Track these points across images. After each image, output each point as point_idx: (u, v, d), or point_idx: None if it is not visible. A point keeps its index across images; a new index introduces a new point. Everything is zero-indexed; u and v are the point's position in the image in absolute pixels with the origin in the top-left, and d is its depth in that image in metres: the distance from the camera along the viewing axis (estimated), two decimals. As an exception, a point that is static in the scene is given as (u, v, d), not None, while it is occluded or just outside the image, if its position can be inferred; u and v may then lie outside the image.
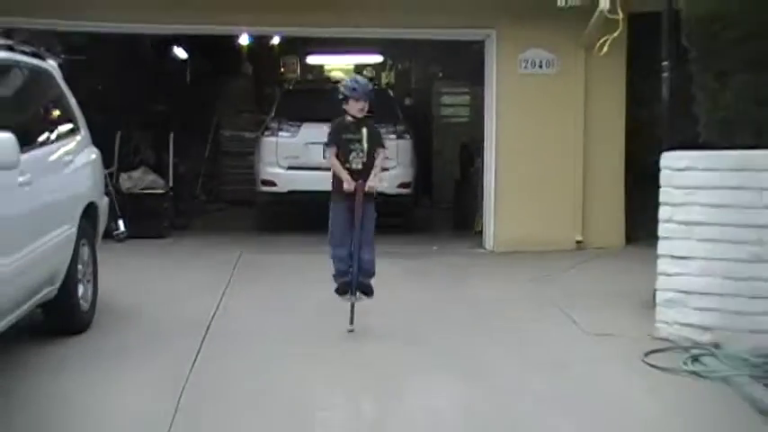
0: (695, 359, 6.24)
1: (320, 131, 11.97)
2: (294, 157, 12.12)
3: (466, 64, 14.27)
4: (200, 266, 9.85)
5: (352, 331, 6.84)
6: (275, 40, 15.67)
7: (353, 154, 6.98)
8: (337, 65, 18.30)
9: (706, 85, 7.03)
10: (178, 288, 8.60)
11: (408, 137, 12.63)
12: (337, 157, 7.01)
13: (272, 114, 12.89)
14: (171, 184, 12.68)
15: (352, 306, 6.94)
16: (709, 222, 6.52)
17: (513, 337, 7.02)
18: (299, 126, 12.27)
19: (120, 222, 10.49)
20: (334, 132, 7.09)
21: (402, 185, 12.25)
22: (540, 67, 11.20)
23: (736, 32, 6.67)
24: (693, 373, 6.04)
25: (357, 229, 6.94)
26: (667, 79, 7.75)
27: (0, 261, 5.02)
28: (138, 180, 11.93)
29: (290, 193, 12.11)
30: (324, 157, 7.51)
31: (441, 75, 16.81)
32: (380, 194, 11.85)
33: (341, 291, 7.07)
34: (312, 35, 13.47)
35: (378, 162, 7.07)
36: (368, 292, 7.10)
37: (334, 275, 7.13)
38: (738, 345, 6.28)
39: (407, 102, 16.83)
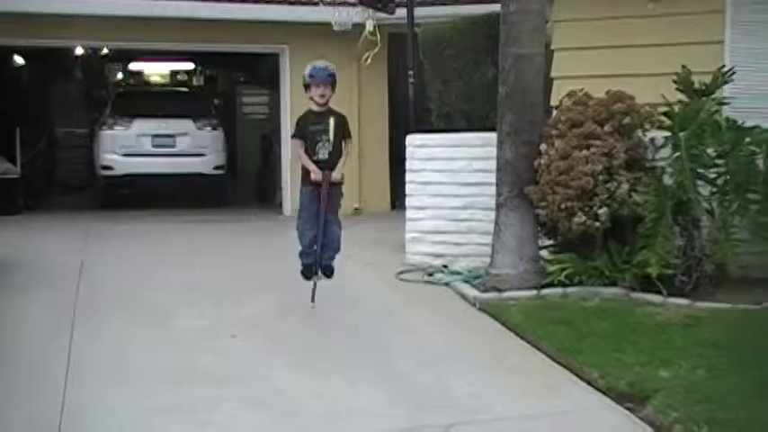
0: (430, 274, 8.25)
1: (149, 125, 13.64)
2: (129, 147, 13.52)
3: (264, 71, 15.97)
4: (58, 235, 11.11)
5: (313, 308, 6.69)
6: (103, 50, 16.76)
7: (320, 145, 6.51)
8: (156, 71, 19.54)
9: (435, 89, 9.10)
10: (46, 248, 9.93)
11: (220, 129, 14.26)
12: (306, 147, 6.60)
13: (108, 112, 14.17)
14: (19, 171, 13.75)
15: (314, 284, 6.73)
16: (437, 182, 8.57)
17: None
18: (131, 121, 13.65)
19: (-18, 202, 11.63)
20: (300, 125, 6.63)
21: (216, 168, 13.93)
22: (323, 74, 13.09)
23: (452, 51, 8.77)
24: (428, 282, 8.08)
25: (322, 214, 6.58)
26: (411, 84, 9.80)
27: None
28: (-4, 167, 12.97)
29: (126, 175, 13.50)
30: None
31: (242, 79, 18.37)
32: (199, 175, 13.61)
33: (305, 275, 6.79)
34: (134, 48, 14.77)
35: (345, 152, 6.65)
36: (329, 273, 6.80)
37: (300, 254, 6.84)
38: (457, 264, 8.38)
39: (216, 101, 18.27)
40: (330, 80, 6.59)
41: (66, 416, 4.67)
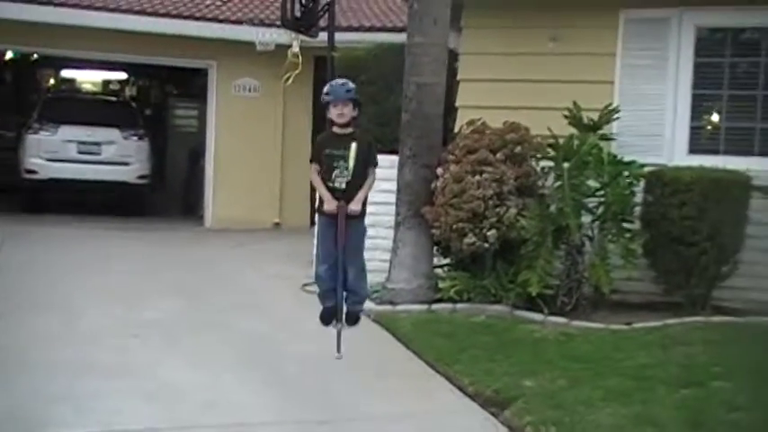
0: (334, 288, 8.70)
1: (75, 132, 13.82)
2: (54, 152, 13.69)
3: (196, 85, 16.28)
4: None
5: (340, 359, 5.87)
6: (35, 55, 16.89)
7: (336, 172, 5.67)
8: (88, 79, 19.64)
9: (350, 112, 9.53)
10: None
11: (146, 139, 14.50)
12: (322, 173, 5.74)
13: (35, 116, 14.32)
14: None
15: (339, 333, 5.90)
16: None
17: (217, 275, 9.30)
18: (57, 126, 13.83)
19: None
20: (316, 148, 5.84)
21: (141, 177, 14.17)
22: (249, 91, 13.55)
23: (367, 76, 9.22)
24: (331, 294, 8.51)
25: (341, 253, 5.74)
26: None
27: None
28: None
29: (50, 180, 13.65)
30: None
31: (175, 92, 18.63)
32: (123, 183, 13.82)
33: (324, 320, 5.99)
34: (68, 55, 14.98)
35: (366, 183, 5.77)
36: (351, 322, 5.99)
37: (318, 295, 6.09)
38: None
39: (148, 112, 18.48)
40: (349, 96, 5.69)
41: (-40, 399, 4.96)
